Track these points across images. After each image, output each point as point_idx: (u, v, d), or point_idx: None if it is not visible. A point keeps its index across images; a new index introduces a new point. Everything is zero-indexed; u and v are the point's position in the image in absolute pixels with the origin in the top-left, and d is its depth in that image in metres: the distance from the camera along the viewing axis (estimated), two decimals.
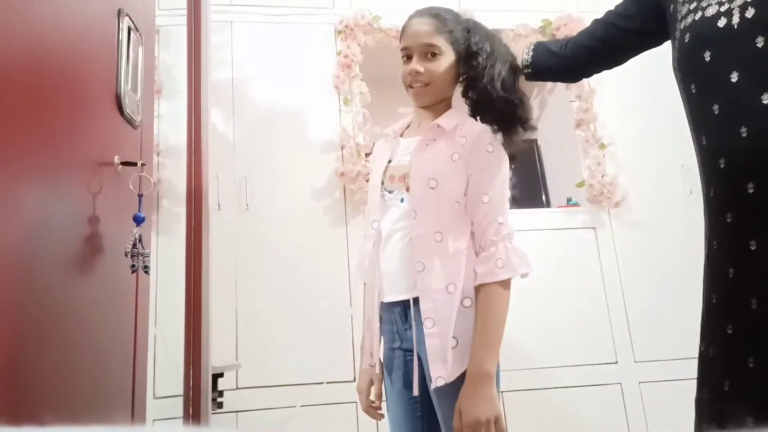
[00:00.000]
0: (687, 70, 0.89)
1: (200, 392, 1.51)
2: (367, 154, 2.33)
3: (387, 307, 1.20)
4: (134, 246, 1.01)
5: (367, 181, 2.25)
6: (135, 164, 1.05)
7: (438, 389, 1.08)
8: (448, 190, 1.14)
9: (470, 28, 1.23)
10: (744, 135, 0.78)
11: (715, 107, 0.82)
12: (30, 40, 0.77)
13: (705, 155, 0.88)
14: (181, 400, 1.50)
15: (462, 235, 1.13)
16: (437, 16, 1.20)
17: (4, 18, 0.70)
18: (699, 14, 0.86)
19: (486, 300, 1.08)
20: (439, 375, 1.07)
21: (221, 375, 1.90)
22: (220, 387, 1.89)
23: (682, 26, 0.92)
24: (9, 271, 0.70)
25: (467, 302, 1.10)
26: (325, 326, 2.15)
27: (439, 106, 1.23)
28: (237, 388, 2.07)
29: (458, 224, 1.13)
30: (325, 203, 2.29)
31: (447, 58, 1.18)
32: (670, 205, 2.47)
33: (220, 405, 1.90)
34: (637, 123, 2.54)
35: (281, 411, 2.05)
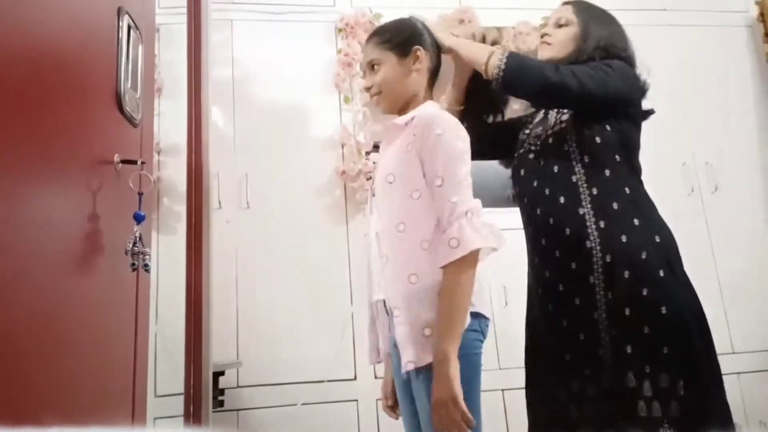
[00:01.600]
0: (514, 178, 1.48)
1: (201, 390, 1.51)
2: (367, 153, 2.33)
3: (378, 306, 1.24)
4: (134, 244, 1.01)
5: (368, 179, 2.25)
6: (135, 162, 1.04)
7: (411, 374, 1.10)
8: (404, 182, 1.17)
9: (418, 30, 1.32)
10: (538, 213, 1.36)
11: (525, 199, 1.40)
12: (29, 38, 0.77)
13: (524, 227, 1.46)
14: (182, 398, 1.50)
15: (427, 224, 1.14)
16: (375, 34, 1.31)
17: (2, 16, 0.70)
18: (519, 151, 1.48)
19: (446, 281, 1.09)
20: (409, 359, 1.08)
21: (222, 373, 1.90)
22: (221, 385, 1.89)
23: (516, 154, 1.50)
24: (8, 270, 0.69)
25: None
26: (326, 324, 2.15)
27: (406, 110, 1.28)
28: (238, 387, 2.07)
29: (422, 214, 1.14)
30: (326, 201, 2.29)
31: (387, 64, 1.27)
32: (671, 203, 2.46)
33: (221, 403, 1.91)
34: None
35: (282, 409, 2.06)
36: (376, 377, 2.09)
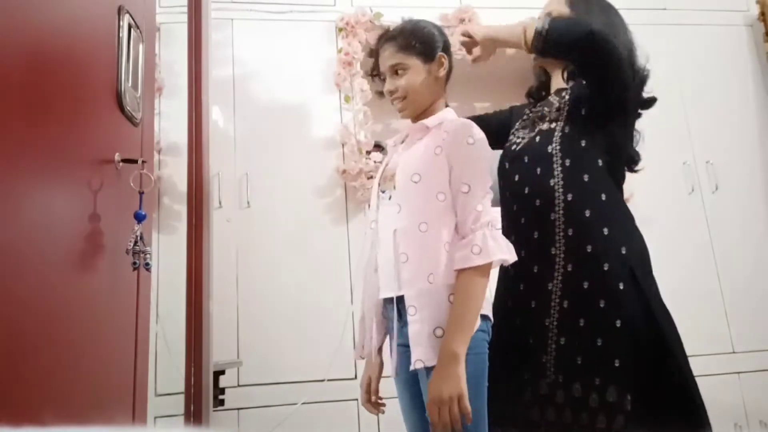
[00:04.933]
0: (499, 171, 1.45)
1: (201, 389, 1.51)
2: (368, 152, 2.33)
3: (385, 304, 1.25)
4: (135, 243, 1.01)
5: (368, 178, 2.25)
6: (136, 162, 1.05)
7: (420, 372, 1.12)
8: (430, 183, 1.18)
9: (439, 34, 1.32)
10: (514, 209, 1.35)
11: (507, 193, 1.38)
12: (30, 37, 0.77)
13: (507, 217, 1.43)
14: (182, 397, 1.50)
15: (448, 227, 1.17)
16: (397, 37, 1.29)
17: (3, 15, 0.70)
18: (506, 144, 1.47)
19: (462, 285, 1.11)
20: (419, 357, 1.10)
21: (223, 372, 1.90)
22: (221, 384, 1.89)
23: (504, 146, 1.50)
24: (9, 269, 0.70)
25: (452, 298, 1.13)
26: (326, 324, 2.15)
27: (425, 115, 1.29)
28: (238, 386, 2.07)
29: (444, 216, 1.17)
30: (327, 201, 2.29)
31: (414, 70, 1.26)
32: (671, 203, 2.47)
33: (221, 402, 1.91)
34: (639, 120, 2.53)
35: (283, 408, 2.06)
36: None
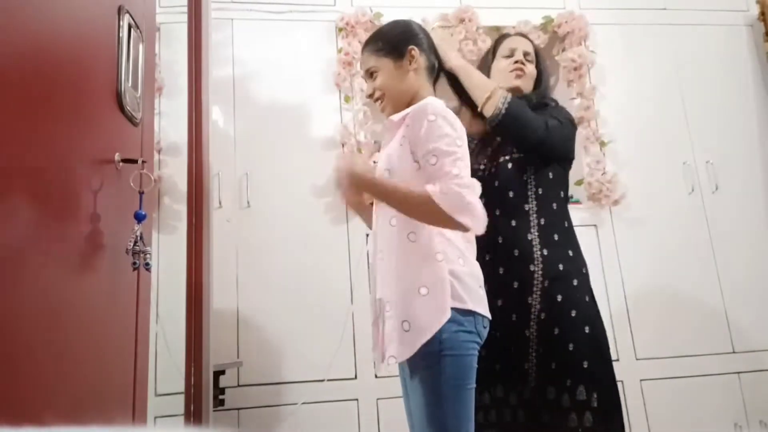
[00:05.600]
0: None
1: (201, 389, 1.51)
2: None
3: (379, 304, 1.25)
4: (135, 243, 1.01)
5: None
6: (136, 161, 1.04)
7: (401, 366, 1.13)
8: (398, 175, 1.19)
9: (411, 30, 1.35)
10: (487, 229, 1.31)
11: None
12: (30, 37, 0.77)
13: None
14: (182, 397, 1.50)
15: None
16: (369, 42, 1.34)
17: (3, 15, 0.70)
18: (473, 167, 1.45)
19: (423, 193, 1.09)
20: (391, 354, 1.11)
21: (223, 372, 1.90)
22: (221, 384, 1.89)
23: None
24: (10, 269, 0.70)
25: (423, 291, 1.11)
26: (326, 324, 2.15)
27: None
28: (238, 386, 2.07)
29: None
30: (326, 201, 2.29)
31: (384, 71, 1.30)
32: (671, 203, 2.47)
33: (221, 402, 1.91)
34: (638, 121, 2.53)
35: (283, 408, 2.06)
36: (376, 377, 2.10)
